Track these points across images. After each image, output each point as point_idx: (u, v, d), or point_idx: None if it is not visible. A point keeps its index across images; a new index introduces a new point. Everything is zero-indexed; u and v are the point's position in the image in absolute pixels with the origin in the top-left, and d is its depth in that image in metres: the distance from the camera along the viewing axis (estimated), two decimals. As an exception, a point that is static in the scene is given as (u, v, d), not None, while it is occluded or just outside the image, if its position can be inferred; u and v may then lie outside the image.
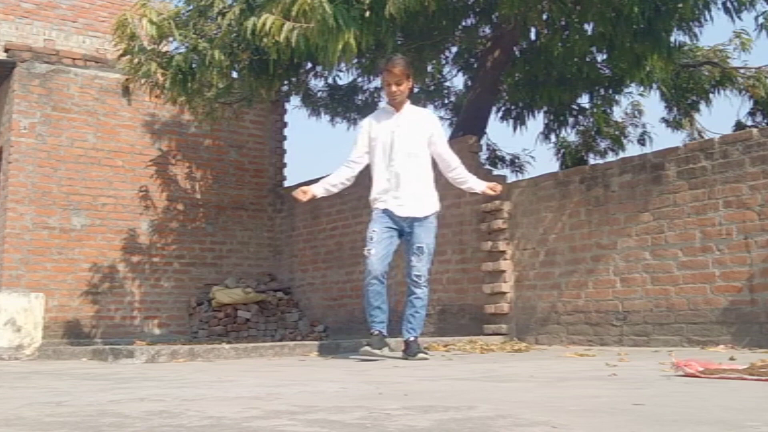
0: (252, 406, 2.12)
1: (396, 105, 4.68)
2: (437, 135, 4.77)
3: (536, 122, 10.16)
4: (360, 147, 4.68)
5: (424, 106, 9.78)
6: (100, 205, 8.52)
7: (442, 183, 7.25)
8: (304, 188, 4.66)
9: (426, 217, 4.59)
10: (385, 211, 4.55)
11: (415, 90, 9.31)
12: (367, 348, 4.43)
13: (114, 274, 8.55)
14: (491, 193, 4.90)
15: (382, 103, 4.91)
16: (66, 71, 8.50)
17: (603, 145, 9.70)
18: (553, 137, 9.63)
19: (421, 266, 4.56)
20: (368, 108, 9.24)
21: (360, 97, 9.48)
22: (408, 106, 4.73)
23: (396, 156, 4.57)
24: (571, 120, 9.39)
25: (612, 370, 3.31)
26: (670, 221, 5.46)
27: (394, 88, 4.58)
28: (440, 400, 2.25)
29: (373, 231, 4.53)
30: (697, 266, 5.27)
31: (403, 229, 4.58)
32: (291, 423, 1.79)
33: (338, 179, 4.70)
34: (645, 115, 9.88)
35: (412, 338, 4.60)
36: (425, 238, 4.58)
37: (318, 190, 4.66)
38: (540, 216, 6.36)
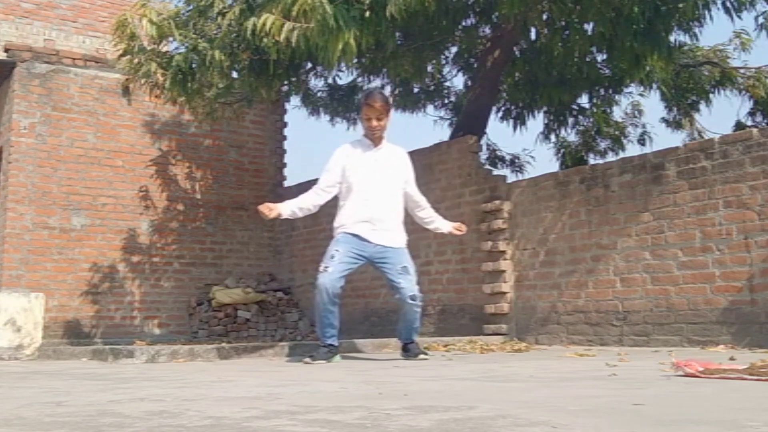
0: (252, 406, 2.12)
1: (375, 139, 4.57)
2: (411, 176, 4.72)
3: (536, 122, 10.16)
4: (333, 176, 4.53)
5: (424, 106, 9.80)
6: (100, 205, 8.52)
7: (442, 185, 7.25)
8: (271, 205, 4.47)
9: (398, 248, 4.51)
10: (353, 236, 4.42)
11: (415, 90, 9.34)
12: (308, 359, 4.26)
13: (114, 274, 8.55)
14: (457, 233, 4.88)
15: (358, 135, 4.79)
16: (66, 71, 8.49)
17: (603, 145, 9.68)
18: (553, 137, 9.62)
19: (412, 285, 4.44)
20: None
21: (360, 97, 9.47)
22: (385, 143, 4.63)
23: (373, 191, 4.47)
24: (571, 120, 9.38)
25: (612, 370, 3.31)
26: (670, 221, 5.46)
27: (375, 123, 4.47)
28: (440, 400, 2.25)
29: (336, 250, 4.38)
30: (697, 266, 5.27)
31: (371, 258, 4.44)
32: (291, 423, 1.79)
33: (306, 204, 4.56)
34: (645, 115, 9.86)
35: (410, 342, 4.61)
36: (405, 260, 4.49)
37: (285, 210, 4.50)
38: (540, 216, 6.35)
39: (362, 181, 4.48)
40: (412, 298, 4.43)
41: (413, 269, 4.52)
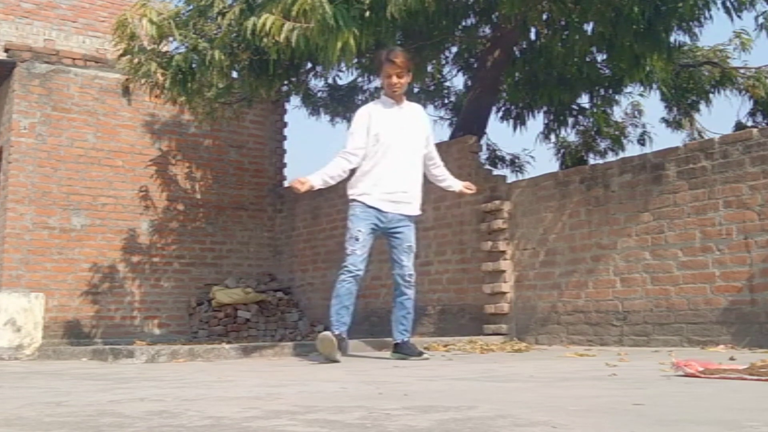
0: (252, 406, 2.12)
1: (396, 98, 4.56)
2: (430, 133, 4.75)
3: (536, 122, 10.17)
4: (359, 139, 4.46)
5: (424, 106, 9.79)
6: (100, 205, 8.52)
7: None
8: (302, 179, 4.40)
9: (412, 216, 4.54)
10: (370, 209, 4.41)
11: (415, 90, 9.33)
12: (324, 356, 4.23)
13: (114, 274, 8.55)
14: (468, 192, 4.91)
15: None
16: (66, 71, 8.49)
17: (603, 145, 9.69)
18: (553, 137, 9.64)
19: (411, 266, 4.53)
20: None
21: (360, 97, 9.48)
22: (406, 101, 4.66)
23: (398, 152, 4.46)
24: (571, 120, 9.39)
25: (612, 370, 3.31)
26: (670, 221, 5.46)
27: (395, 79, 4.45)
28: (440, 400, 2.25)
29: (359, 231, 4.38)
30: (697, 266, 5.27)
31: (385, 228, 4.46)
32: (291, 423, 1.79)
33: (336, 171, 4.48)
34: (645, 115, 9.88)
35: (406, 339, 4.59)
36: (412, 238, 4.55)
37: (316, 181, 4.42)
38: (540, 216, 6.35)
39: (387, 142, 4.45)
40: (410, 277, 4.50)
41: (415, 249, 4.60)
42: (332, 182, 4.55)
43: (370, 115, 4.53)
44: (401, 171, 4.49)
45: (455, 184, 4.87)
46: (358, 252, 4.35)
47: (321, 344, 4.22)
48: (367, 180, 4.46)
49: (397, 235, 4.50)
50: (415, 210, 4.56)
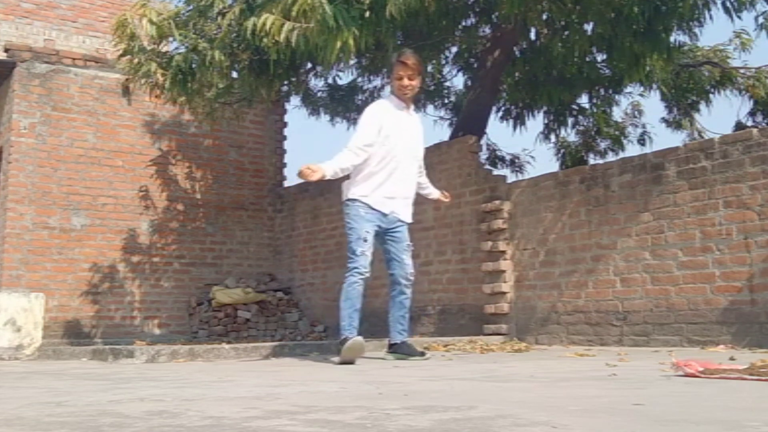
0: (252, 406, 2.12)
1: (406, 101, 4.53)
2: (422, 142, 4.77)
3: (536, 122, 10.16)
4: (371, 135, 4.35)
5: (424, 106, 9.80)
6: (100, 205, 8.52)
7: (442, 185, 7.26)
8: (313, 166, 4.17)
9: (408, 223, 4.55)
10: (374, 210, 4.35)
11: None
12: (336, 359, 4.22)
13: (114, 274, 8.55)
14: (444, 200, 5.01)
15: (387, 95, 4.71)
16: (66, 71, 8.49)
17: (603, 145, 9.69)
18: (553, 137, 9.63)
19: (411, 264, 4.54)
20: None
21: (360, 97, 9.48)
22: (412, 108, 4.65)
23: (403, 155, 4.45)
24: (571, 120, 9.39)
25: (612, 370, 3.31)
26: (670, 221, 5.46)
27: (406, 81, 4.41)
28: (440, 400, 2.25)
29: (366, 232, 4.32)
30: (697, 266, 5.27)
31: (385, 229, 4.43)
32: (291, 423, 1.79)
33: (346, 164, 4.32)
34: (645, 115, 9.89)
35: (405, 339, 4.58)
36: (408, 238, 4.56)
37: (329, 171, 4.24)
38: (540, 216, 6.35)
39: (394, 143, 4.41)
40: (411, 275, 4.51)
41: (412, 247, 4.64)
42: (341, 174, 4.41)
43: (383, 113, 4.45)
44: (403, 177, 4.48)
45: (434, 192, 4.96)
46: (367, 253, 4.30)
47: (350, 350, 4.16)
48: (370, 182, 4.40)
49: (396, 235, 4.48)
50: (410, 217, 4.56)
